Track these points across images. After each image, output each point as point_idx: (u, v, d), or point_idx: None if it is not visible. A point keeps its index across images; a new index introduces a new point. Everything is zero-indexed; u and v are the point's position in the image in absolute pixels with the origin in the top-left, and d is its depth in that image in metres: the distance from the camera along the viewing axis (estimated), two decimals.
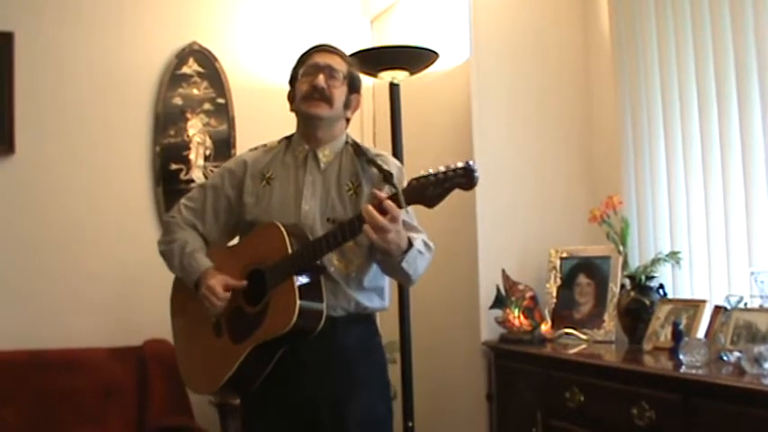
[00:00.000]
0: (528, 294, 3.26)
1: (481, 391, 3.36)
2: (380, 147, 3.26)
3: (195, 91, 3.99)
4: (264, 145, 2.53)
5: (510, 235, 3.46)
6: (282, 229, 2.27)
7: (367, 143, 3.45)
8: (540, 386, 2.96)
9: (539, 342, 3.18)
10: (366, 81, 4.16)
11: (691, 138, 3.03)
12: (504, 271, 3.33)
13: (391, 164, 2.39)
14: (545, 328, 3.26)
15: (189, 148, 3.96)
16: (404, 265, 2.20)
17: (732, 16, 2.84)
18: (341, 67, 2.41)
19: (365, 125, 4.26)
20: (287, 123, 2.59)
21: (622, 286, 3.16)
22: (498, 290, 3.29)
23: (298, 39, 4.07)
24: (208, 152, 3.98)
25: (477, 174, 2.03)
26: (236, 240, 2.56)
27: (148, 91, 3.92)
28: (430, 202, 2.08)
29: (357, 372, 2.34)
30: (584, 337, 3.20)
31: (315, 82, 2.35)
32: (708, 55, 2.94)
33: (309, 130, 2.41)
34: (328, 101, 2.36)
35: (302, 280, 2.22)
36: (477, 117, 3.45)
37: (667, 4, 3.13)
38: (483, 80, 3.47)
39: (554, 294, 3.38)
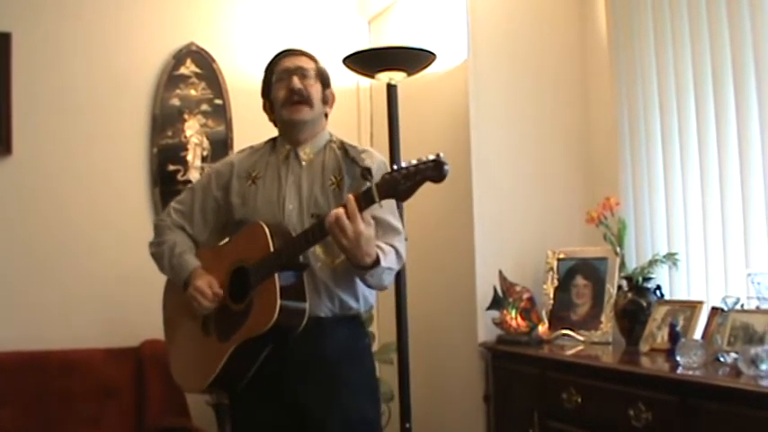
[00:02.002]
0: (525, 295, 3.26)
1: (478, 393, 3.36)
2: (378, 148, 3.23)
3: (193, 92, 3.99)
4: (252, 146, 2.58)
5: (507, 236, 3.46)
6: (265, 227, 2.30)
7: (364, 144, 3.45)
8: (537, 387, 2.96)
9: (536, 343, 3.18)
10: (363, 82, 4.20)
11: (688, 139, 3.04)
12: (501, 272, 3.33)
13: (375, 159, 2.41)
14: (542, 329, 3.26)
15: (186, 149, 3.96)
16: (368, 277, 2.24)
17: (729, 18, 2.85)
18: (309, 65, 2.46)
19: (362, 126, 4.26)
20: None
21: (619, 287, 3.16)
22: (495, 291, 3.29)
23: (295, 40, 4.05)
24: (205, 153, 3.98)
25: (447, 166, 2.05)
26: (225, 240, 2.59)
27: (146, 92, 3.91)
28: (402, 196, 2.11)
29: (342, 373, 2.35)
30: (581, 338, 3.20)
31: (291, 85, 2.40)
32: (705, 57, 2.95)
33: (293, 133, 2.46)
34: (308, 102, 2.42)
35: (284, 278, 2.25)
36: (474, 118, 3.45)
37: (664, 6, 3.13)
38: (480, 81, 3.48)
39: (551, 295, 3.38)
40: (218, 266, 2.41)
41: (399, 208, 2.56)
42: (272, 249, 2.26)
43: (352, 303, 2.38)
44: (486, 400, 3.32)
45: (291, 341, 2.29)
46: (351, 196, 2.14)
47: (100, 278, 3.75)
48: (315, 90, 2.44)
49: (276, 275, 2.24)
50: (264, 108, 2.54)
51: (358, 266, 2.20)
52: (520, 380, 3.08)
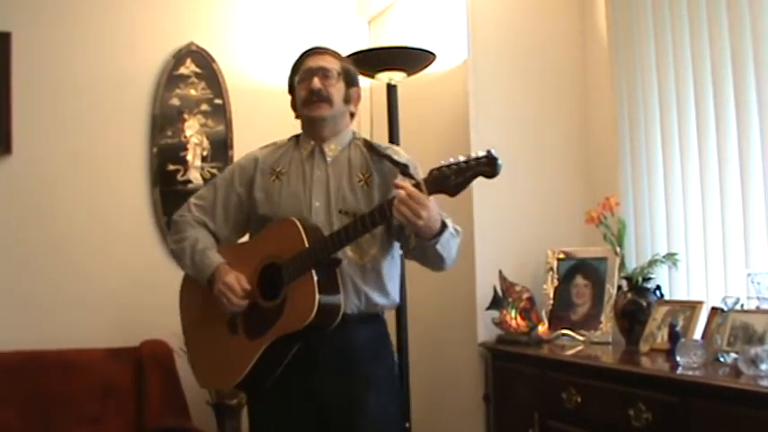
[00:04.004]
0: (525, 295, 3.26)
1: (478, 392, 3.36)
2: None
3: (192, 92, 3.99)
4: (275, 143, 2.57)
5: (507, 236, 3.46)
6: (298, 223, 2.29)
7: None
8: (537, 387, 2.96)
9: (536, 343, 3.17)
10: (363, 82, 4.17)
11: (688, 139, 3.03)
12: (501, 272, 3.32)
13: (402, 156, 2.42)
14: (542, 329, 3.26)
15: (186, 149, 3.96)
16: (438, 247, 2.22)
17: (729, 18, 2.84)
18: (333, 65, 2.46)
19: (362, 126, 4.24)
20: (284, 124, 2.59)
21: (619, 287, 3.16)
22: (495, 291, 3.29)
23: (295, 40, 4.07)
24: (205, 153, 3.98)
25: (500, 162, 2.06)
26: (246, 238, 2.57)
27: (146, 92, 3.92)
28: (452, 191, 2.10)
29: (368, 372, 2.36)
30: (580, 338, 3.20)
31: (311, 86, 2.41)
32: (705, 56, 2.94)
33: (315, 130, 2.46)
34: (328, 100, 2.42)
35: (320, 273, 2.23)
36: (474, 118, 3.45)
37: (664, 5, 3.13)
38: (480, 81, 3.47)
39: (551, 295, 3.38)
40: (245, 263, 2.38)
41: None
42: (306, 245, 2.25)
43: (378, 300, 2.38)
44: (486, 400, 3.32)
45: (317, 339, 2.28)
46: (402, 184, 2.13)
47: (99, 278, 3.75)
48: (336, 90, 2.44)
49: (313, 271, 2.23)
50: (291, 105, 2.53)
51: (432, 236, 2.19)
52: (520, 380, 3.08)
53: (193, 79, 3.99)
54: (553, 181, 3.57)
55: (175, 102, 3.95)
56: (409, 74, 3.46)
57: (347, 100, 2.49)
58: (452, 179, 2.08)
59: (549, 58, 3.61)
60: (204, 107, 4.00)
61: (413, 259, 2.42)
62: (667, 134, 3.13)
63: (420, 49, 3.40)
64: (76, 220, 3.76)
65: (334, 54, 2.51)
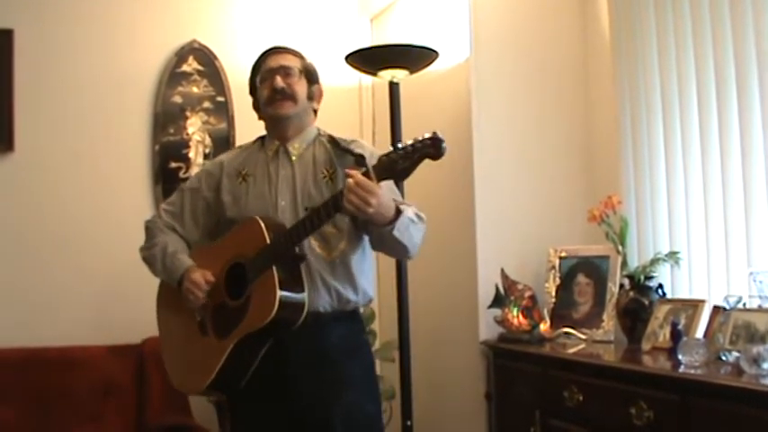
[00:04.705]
0: (527, 294, 3.26)
1: (480, 391, 3.36)
2: (380, 146, 3.25)
3: (195, 89, 3.99)
4: (240, 146, 2.62)
5: (509, 234, 3.46)
6: (260, 221, 2.31)
7: (366, 142, 3.46)
8: (539, 385, 2.96)
9: (537, 341, 3.17)
10: (366, 80, 4.20)
11: (690, 137, 3.03)
12: (503, 270, 3.32)
13: (366, 148, 2.42)
14: (544, 327, 3.26)
15: (188, 147, 3.96)
16: (396, 234, 2.20)
17: (732, 16, 2.84)
18: (294, 63, 2.48)
19: (365, 124, 4.26)
20: None
21: (621, 286, 3.16)
22: (497, 289, 3.29)
23: (297, 37, 4.06)
24: (207, 150, 3.98)
25: (444, 144, 2.06)
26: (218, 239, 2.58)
27: (148, 89, 3.92)
28: (401, 176, 2.11)
29: (343, 371, 2.36)
30: (582, 336, 3.20)
31: (274, 84, 2.43)
32: (707, 54, 2.94)
33: (279, 129, 2.48)
34: (292, 98, 2.44)
35: (282, 270, 2.25)
36: (476, 116, 3.45)
37: (667, 4, 3.13)
38: (482, 79, 3.47)
39: (553, 294, 3.38)
40: (213, 264, 2.40)
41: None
42: (268, 242, 2.27)
43: (351, 296, 2.38)
44: (488, 398, 3.32)
45: (291, 339, 2.29)
46: (351, 173, 2.12)
47: (101, 275, 3.75)
48: (299, 87, 2.46)
49: (274, 268, 2.24)
50: (253, 106, 2.57)
51: (386, 223, 2.18)
52: (521, 378, 3.08)
53: (195, 77, 3.99)
54: (555, 179, 3.57)
55: (177, 99, 3.95)
56: (411, 72, 3.46)
57: (310, 97, 2.51)
58: (400, 164, 2.08)
59: (552, 56, 3.61)
60: (206, 105, 4.00)
61: (380, 251, 2.42)
62: (669, 132, 3.13)
63: (422, 47, 3.39)
64: (78, 218, 3.76)
65: (294, 52, 2.53)
